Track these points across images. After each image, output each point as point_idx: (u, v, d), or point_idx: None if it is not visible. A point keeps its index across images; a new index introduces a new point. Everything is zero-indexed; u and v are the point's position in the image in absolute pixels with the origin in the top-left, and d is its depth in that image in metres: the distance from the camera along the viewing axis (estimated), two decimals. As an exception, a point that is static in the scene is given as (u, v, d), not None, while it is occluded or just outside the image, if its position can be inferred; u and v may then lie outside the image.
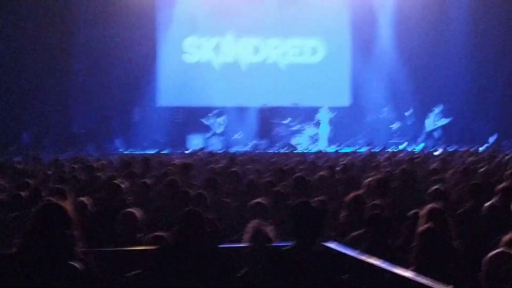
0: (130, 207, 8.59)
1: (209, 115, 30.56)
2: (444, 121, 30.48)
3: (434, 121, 30.60)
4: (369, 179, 11.07)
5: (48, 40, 29.80)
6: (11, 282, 5.18)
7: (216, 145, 29.39)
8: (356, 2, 33.18)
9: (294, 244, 6.02)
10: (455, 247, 6.70)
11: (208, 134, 30.17)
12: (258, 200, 8.72)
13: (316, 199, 8.60)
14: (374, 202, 9.04)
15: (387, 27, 33.58)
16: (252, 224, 6.62)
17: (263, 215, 8.12)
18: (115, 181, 10.29)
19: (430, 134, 30.46)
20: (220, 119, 30.29)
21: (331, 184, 11.83)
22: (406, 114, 31.43)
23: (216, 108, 30.87)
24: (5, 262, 5.35)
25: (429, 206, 7.46)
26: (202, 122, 30.40)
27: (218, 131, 30.15)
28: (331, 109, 31.13)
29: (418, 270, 5.93)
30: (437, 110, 30.62)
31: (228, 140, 30.54)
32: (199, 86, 32.12)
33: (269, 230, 6.57)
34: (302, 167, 15.15)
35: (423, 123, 31.02)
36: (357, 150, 24.86)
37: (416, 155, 19.94)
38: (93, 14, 30.90)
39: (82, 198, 9.39)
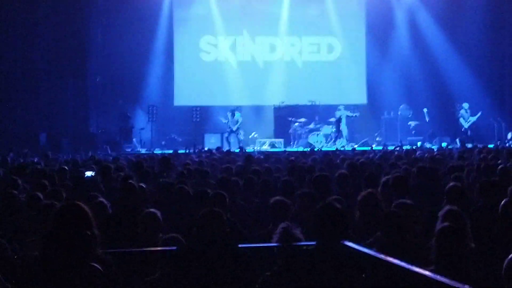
0: (147, 208, 8.61)
1: (228, 112, 30.55)
2: (474, 117, 30.31)
3: (467, 118, 30.41)
4: (386, 177, 11.03)
5: (64, 40, 29.90)
6: (33, 283, 5.21)
7: (232, 143, 29.39)
8: (373, 0, 33.14)
9: (317, 244, 6.03)
10: (472, 248, 6.67)
11: (226, 134, 30.15)
12: (279, 198, 8.70)
13: (334, 197, 8.57)
14: (399, 201, 9.04)
15: (403, 24, 33.54)
16: (282, 225, 6.60)
17: (284, 214, 8.12)
18: (131, 182, 10.29)
19: (465, 131, 30.26)
20: (236, 117, 30.27)
21: (349, 183, 11.79)
22: (424, 110, 31.31)
23: (232, 106, 30.87)
24: (28, 264, 5.39)
25: (447, 207, 7.43)
26: (220, 120, 30.38)
27: (234, 128, 30.11)
28: (349, 107, 31.10)
29: (436, 269, 5.92)
30: (466, 106, 30.45)
31: (244, 139, 30.57)
32: (216, 84, 32.22)
33: (298, 232, 6.56)
34: (320, 165, 15.11)
35: (455, 121, 30.88)
36: (374, 148, 24.78)
37: (436, 153, 19.84)
38: (109, 13, 31.01)
39: (101, 199, 9.40)
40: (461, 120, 30.41)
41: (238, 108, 30.78)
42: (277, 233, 6.53)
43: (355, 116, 30.80)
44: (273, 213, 8.28)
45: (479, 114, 30.12)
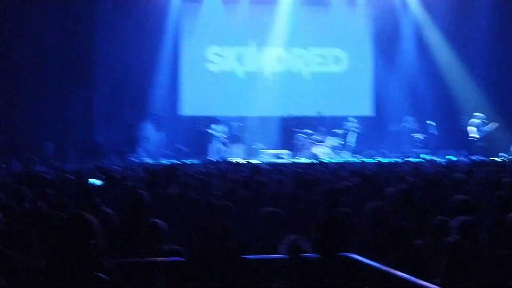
0: (152, 218, 8.61)
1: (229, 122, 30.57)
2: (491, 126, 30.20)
3: (482, 128, 30.26)
4: (393, 190, 11.03)
5: (70, 49, 29.92)
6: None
7: (236, 154, 29.39)
8: (379, 11, 33.14)
9: (319, 255, 6.02)
10: (485, 260, 6.64)
11: (218, 144, 30.23)
12: (273, 208, 8.71)
13: (341, 209, 8.56)
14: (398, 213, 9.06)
15: (409, 36, 33.59)
16: (291, 238, 6.59)
17: (282, 225, 8.11)
18: (139, 191, 10.29)
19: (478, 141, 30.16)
20: (220, 128, 30.35)
21: (355, 195, 11.78)
22: (430, 123, 31.22)
23: (223, 118, 30.98)
24: (34, 274, 5.39)
25: (461, 218, 7.40)
26: (206, 131, 30.40)
27: (220, 140, 30.19)
28: (357, 119, 31.14)
29: (445, 283, 5.91)
30: (480, 115, 30.33)
31: (249, 150, 30.58)
32: (222, 95, 32.28)
33: (306, 244, 6.55)
34: (326, 177, 15.09)
35: (461, 133, 30.80)
36: (380, 160, 24.74)
37: (442, 166, 19.82)
38: (115, 21, 31.01)
39: (106, 209, 9.40)
40: (474, 130, 30.18)
41: (223, 119, 30.90)
42: (285, 245, 6.52)
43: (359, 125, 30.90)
44: (266, 224, 8.28)
45: (495, 125, 29.98)
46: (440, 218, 8.03)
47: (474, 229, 7.10)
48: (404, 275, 5.80)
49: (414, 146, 31.01)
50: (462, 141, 30.71)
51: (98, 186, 13.09)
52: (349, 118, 30.73)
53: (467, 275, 6.07)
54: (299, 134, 30.96)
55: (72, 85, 30.19)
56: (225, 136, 30.52)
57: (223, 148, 30.34)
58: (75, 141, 29.55)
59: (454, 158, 26.11)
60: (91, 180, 14.00)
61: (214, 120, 31.12)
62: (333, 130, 31.19)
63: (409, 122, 31.81)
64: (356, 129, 30.80)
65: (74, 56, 30.01)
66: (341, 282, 5.90)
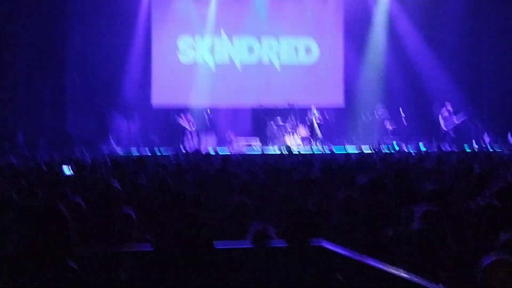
0: (123, 208, 8.63)
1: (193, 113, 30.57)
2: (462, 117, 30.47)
3: (449, 119, 30.48)
4: (363, 179, 11.10)
5: (42, 39, 29.73)
6: (10, 284, 5.19)
7: (208, 145, 29.40)
8: (350, 1, 33.22)
9: (288, 244, 6.04)
10: (450, 248, 6.71)
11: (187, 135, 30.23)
12: (241, 198, 8.75)
13: (311, 198, 8.61)
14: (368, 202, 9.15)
15: (380, 26, 33.67)
16: (255, 225, 6.63)
17: (249, 214, 8.14)
18: (108, 181, 10.28)
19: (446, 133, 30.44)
20: (190, 118, 30.36)
21: (325, 185, 11.84)
22: (400, 113, 31.37)
23: (195, 108, 30.97)
24: (4, 264, 5.38)
25: (425, 207, 7.48)
26: (176, 122, 30.32)
27: (191, 130, 30.17)
28: (321, 109, 31.20)
29: (411, 269, 5.96)
30: (448, 106, 30.53)
31: (220, 140, 30.57)
32: (194, 85, 32.22)
33: (272, 232, 6.58)
34: (297, 167, 15.14)
35: (433, 122, 31.06)
36: (350, 151, 24.83)
37: (412, 156, 19.93)
38: (86, 12, 30.89)
39: (77, 198, 9.41)
40: (442, 120, 30.46)
41: (193, 109, 30.89)
42: (251, 233, 6.56)
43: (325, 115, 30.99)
44: (236, 214, 8.31)
45: (463, 118, 30.24)
46: (407, 207, 8.12)
47: (437, 218, 7.18)
48: (375, 263, 5.85)
49: (385, 136, 31.11)
50: (433, 131, 30.90)
51: (69, 175, 13.04)
52: (311, 110, 30.77)
53: (430, 263, 6.12)
54: (271, 124, 30.97)
55: (43, 75, 30.00)
56: (194, 128, 30.44)
57: (195, 138, 30.29)
58: (47, 131, 29.39)
59: (424, 148, 26.28)
60: (63, 169, 13.95)
61: (186, 110, 31.06)
62: (306, 122, 31.20)
63: (380, 111, 31.93)
64: (318, 120, 30.83)
65: (45, 47, 29.83)
66: (312, 270, 5.93)
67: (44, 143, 27.99)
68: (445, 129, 30.32)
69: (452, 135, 30.19)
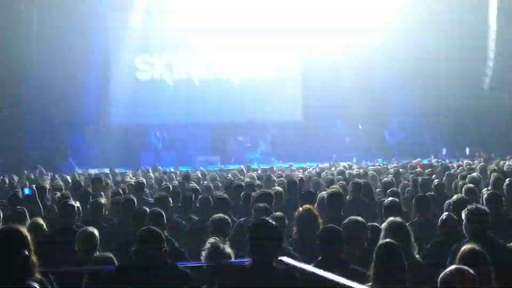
0: (84, 227, 8.62)
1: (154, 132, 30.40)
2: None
3: (395, 134, 30.88)
4: (322, 193, 11.19)
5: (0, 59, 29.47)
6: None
7: (168, 162, 29.33)
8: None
9: (252, 261, 6.05)
10: (416, 260, 6.79)
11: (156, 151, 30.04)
12: (220, 215, 8.78)
13: (274, 214, 8.62)
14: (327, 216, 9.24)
15: (338, 42, 33.80)
16: (210, 241, 6.66)
17: (222, 231, 8.16)
18: (69, 201, 10.25)
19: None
20: (163, 135, 30.22)
21: (287, 199, 11.91)
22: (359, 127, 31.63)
23: (162, 125, 30.83)
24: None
25: (390, 219, 7.57)
26: (149, 139, 30.20)
27: (162, 146, 30.06)
28: (277, 125, 31.39)
29: (377, 284, 6.01)
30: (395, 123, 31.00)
31: (180, 157, 30.46)
32: (152, 103, 32.12)
33: (227, 248, 6.61)
34: (258, 182, 15.18)
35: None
36: (308, 165, 24.94)
37: (370, 169, 20.08)
38: (43, 30, 30.68)
39: (37, 219, 9.38)
40: (387, 135, 30.92)
41: (164, 125, 30.74)
42: (206, 249, 6.58)
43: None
44: (214, 231, 8.33)
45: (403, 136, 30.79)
46: (370, 223, 8.23)
47: (402, 229, 7.26)
48: (337, 277, 5.88)
49: (344, 150, 31.25)
50: (389, 145, 31.28)
51: (29, 196, 12.94)
52: (269, 126, 30.99)
53: (398, 277, 6.16)
54: (231, 140, 31.01)
55: (2, 95, 29.69)
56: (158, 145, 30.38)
57: (155, 156, 30.21)
58: (3, 151, 29.04)
59: (382, 161, 26.55)
60: (24, 190, 13.85)
61: (145, 128, 31.06)
62: (264, 137, 31.30)
63: (339, 126, 32.14)
64: (274, 137, 31.04)
65: (4, 66, 29.50)
66: (273, 287, 5.94)
67: (0, 162, 27.67)
68: (389, 143, 30.79)
69: (396, 149, 30.58)
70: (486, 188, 11.72)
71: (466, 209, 7.70)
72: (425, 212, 9.59)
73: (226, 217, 8.78)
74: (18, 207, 9.99)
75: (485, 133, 30.62)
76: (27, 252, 5.36)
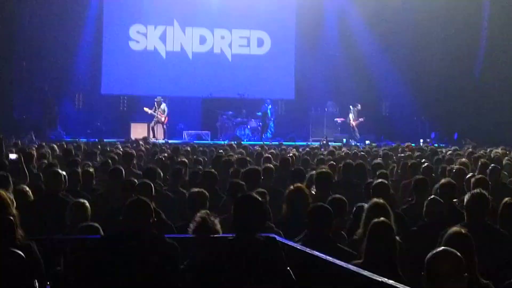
0: (69, 196, 8.57)
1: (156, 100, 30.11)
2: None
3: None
4: (312, 172, 11.14)
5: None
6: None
7: (159, 134, 29.24)
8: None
9: (236, 235, 6.01)
10: (397, 242, 6.76)
11: (152, 123, 29.75)
12: (199, 189, 8.70)
13: (258, 190, 8.56)
14: (316, 194, 9.20)
15: (333, 21, 33.82)
16: (199, 214, 6.60)
17: (205, 205, 8.10)
18: (55, 169, 10.16)
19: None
20: (163, 107, 29.93)
21: (277, 177, 11.85)
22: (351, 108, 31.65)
23: (158, 97, 30.54)
24: None
25: (373, 200, 7.54)
26: (146, 111, 29.95)
27: (162, 119, 29.78)
28: (273, 102, 31.35)
29: (365, 263, 6.00)
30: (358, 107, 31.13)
31: (169, 130, 30.35)
32: (144, 74, 32.00)
33: (216, 221, 6.56)
34: (248, 159, 15.11)
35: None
36: (300, 143, 24.96)
37: (361, 150, 20.06)
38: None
39: (22, 186, 9.29)
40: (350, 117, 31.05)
41: (164, 98, 30.41)
42: (195, 222, 6.53)
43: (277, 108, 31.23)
44: (192, 204, 8.27)
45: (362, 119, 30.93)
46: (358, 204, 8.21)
47: (384, 211, 7.23)
48: (324, 256, 5.86)
49: (335, 131, 31.28)
50: (380, 127, 31.34)
51: (15, 162, 12.82)
52: (265, 102, 30.91)
53: (386, 256, 6.18)
54: (222, 115, 30.93)
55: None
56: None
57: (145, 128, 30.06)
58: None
59: (370, 142, 26.67)
60: (10, 156, 13.73)
61: (136, 99, 30.94)
62: (256, 113, 31.26)
63: (331, 106, 32.14)
64: (271, 112, 30.96)
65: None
66: (261, 262, 5.90)
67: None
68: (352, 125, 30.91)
69: (357, 132, 30.77)
70: (471, 173, 11.72)
71: (469, 193, 7.70)
72: (423, 195, 9.54)
73: (203, 190, 8.67)
74: (1, 172, 9.86)
75: (474, 120, 30.67)
76: (8, 216, 5.30)
